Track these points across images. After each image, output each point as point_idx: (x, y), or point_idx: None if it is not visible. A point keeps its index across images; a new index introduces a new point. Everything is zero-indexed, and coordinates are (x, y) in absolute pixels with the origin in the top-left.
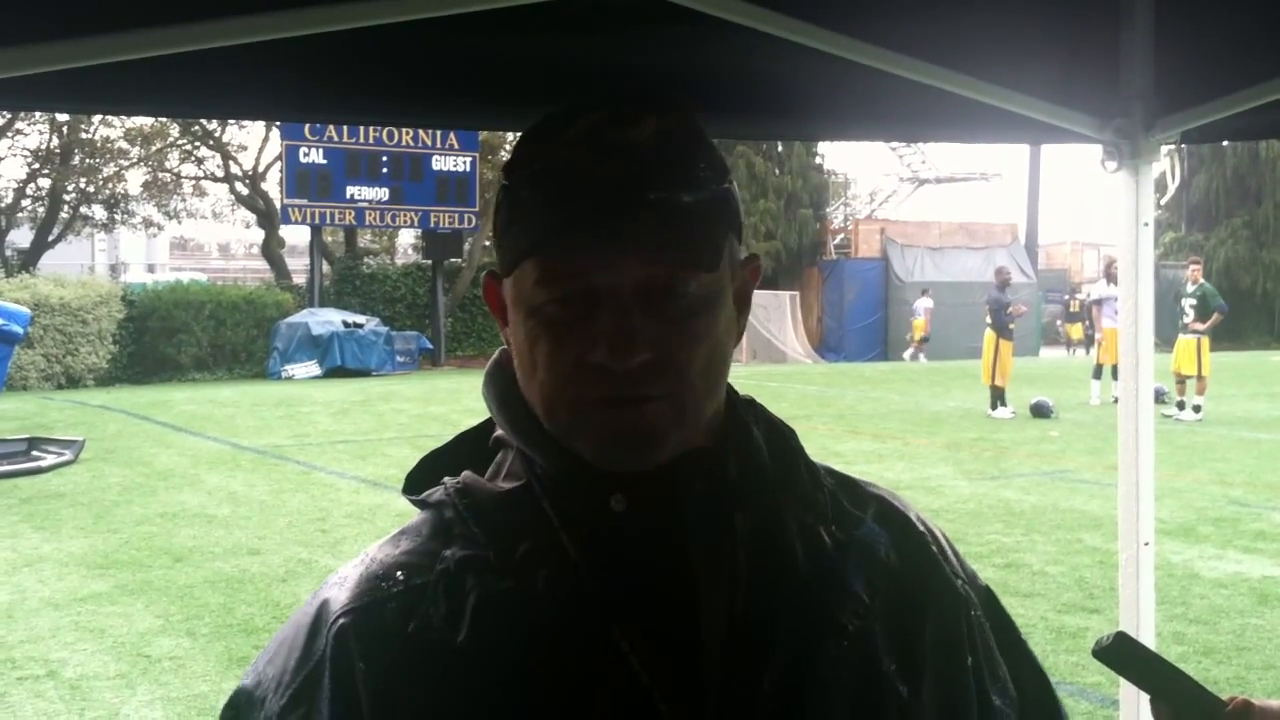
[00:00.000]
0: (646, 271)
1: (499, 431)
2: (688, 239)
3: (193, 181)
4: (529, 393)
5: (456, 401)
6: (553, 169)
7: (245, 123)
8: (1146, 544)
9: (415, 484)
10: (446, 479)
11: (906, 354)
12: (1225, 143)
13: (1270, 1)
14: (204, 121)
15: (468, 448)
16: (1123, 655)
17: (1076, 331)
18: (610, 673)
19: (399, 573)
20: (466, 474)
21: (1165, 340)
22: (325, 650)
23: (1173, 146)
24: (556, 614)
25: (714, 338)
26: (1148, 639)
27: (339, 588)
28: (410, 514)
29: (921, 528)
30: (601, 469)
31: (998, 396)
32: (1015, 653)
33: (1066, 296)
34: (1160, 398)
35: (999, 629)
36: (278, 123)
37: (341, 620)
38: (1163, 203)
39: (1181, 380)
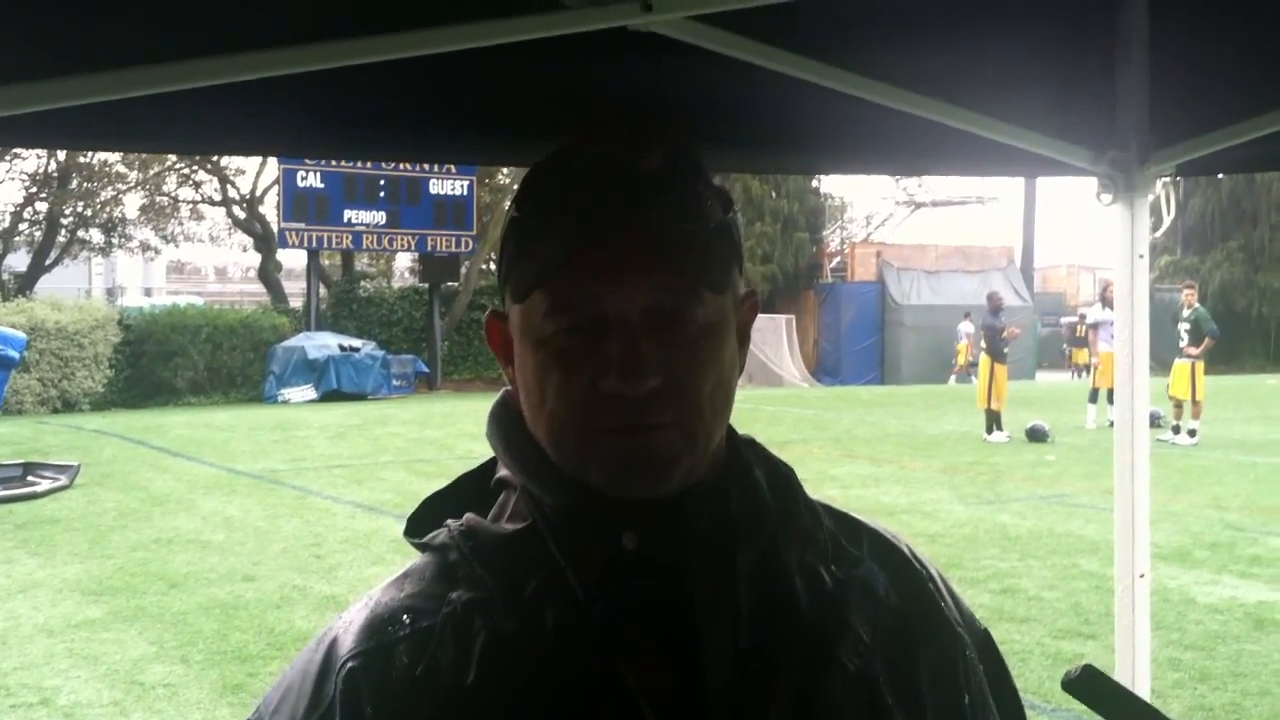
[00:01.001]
0: (655, 299)
1: (501, 473)
2: (695, 266)
3: (190, 205)
4: (537, 425)
5: (453, 425)
6: (560, 200)
7: None
8: (1142, 576)
9: (418, 526)
10: (450, 521)
11: (952, 378)
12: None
13: (1264, 36)
14: None
15: (469, 490)
16: (1091, 688)
17: (1082, 356)
18: (618, 712)
19: (405, 616)
20: (469, 516)
21: (1162, 364)
22: (335, 695)
23: (1168, 179)
24: (564, 654)
25: (720, 364)
26: (1144, 669)
27: (345, 632)
28: (403, 540)
29: (918, 565)
30: (611, 507)
31: (993, 420)
32: (1008, 702)
33: (1074, 320)
34: (1156, 421)
35: (994, 674)
36: (272, 157)
37: (350, 664)
38: (1158, 235)
39: (1178, 404)
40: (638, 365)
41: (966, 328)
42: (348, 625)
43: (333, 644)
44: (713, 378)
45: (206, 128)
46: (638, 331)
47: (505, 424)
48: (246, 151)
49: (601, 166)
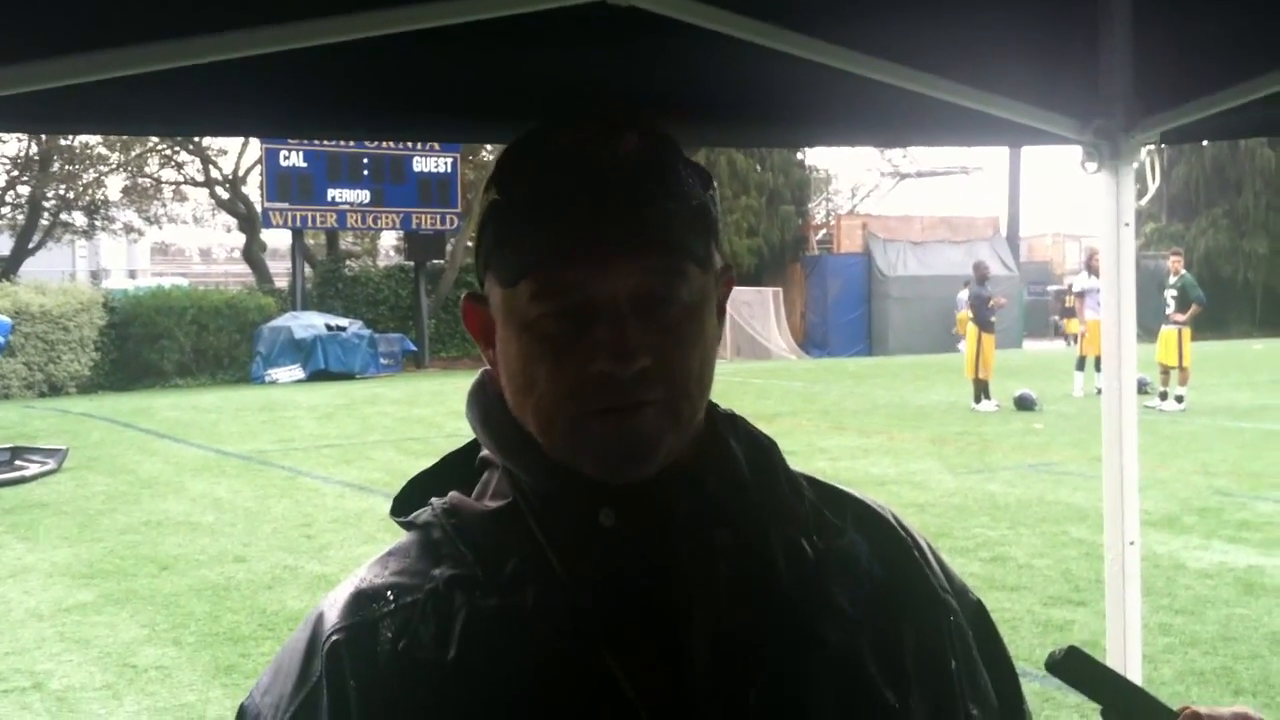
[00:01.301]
0: (642, 281)
1: (484, 452)
2: (680, 246)
3: (173, 186)
4: (522, 410)
5: (441, 403)
6: (542, 185)
7: None
8: (1132, 543)
9: (404, 506)
10: (434, 499)
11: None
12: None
13: (1247, 3)
14: None
15: (455, 469)
16: (1075, 669)
17: (1074, 326)
18: (598, 689)
19: (389, 592)
20: (453, 494)
21: (1149, 331)
22: (320, 670)
23: (1152, 147)
24: (544, 631)
25: (704, 343)
26: (1134, 637)
27: (331, 608)
28: (393, 522)
29: (903, 533)
30: (590, 484)
31: (981, 390)
32: (1000, 669)
33: (1063, 290)
34: (1143, 388)
35: (986, 642)
36: (254, 138)
37: (334, 638)
38: (1143, 202)
39: (1165, 371)
40: (627, 348)
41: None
42: (334, 602)
43: (319, 620)
44: (697, 356)
45: (187, 109)
46: (626, 314)
47: (484, 405)
48: (227, 132)
49: (582, 150)
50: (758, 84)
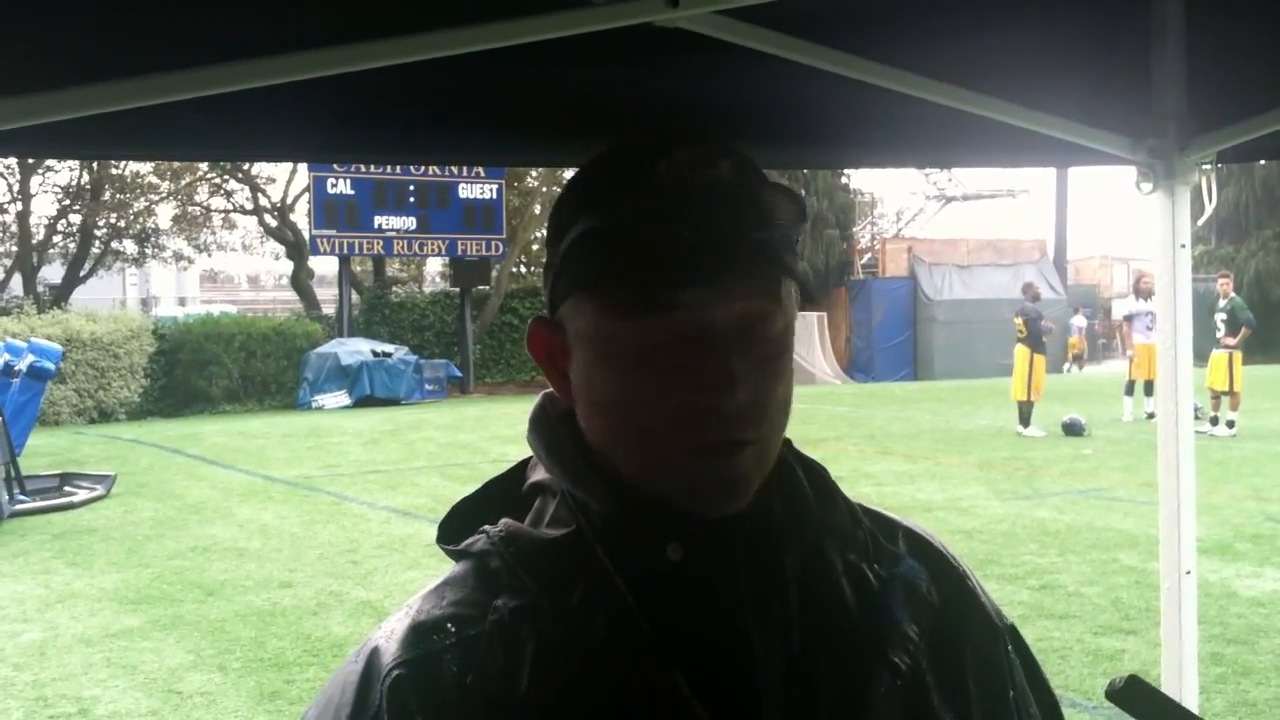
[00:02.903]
0: (746, 310)
1: (536, 477)
2: (779, 274)
3: (222, 215)
4: (603, 436)
5: (485, 429)
6: (645, 211)
7: None
8: (1188, 573)
9: (450, 533)
10: (487, 527)
11: (1065, 366)
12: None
13: None
14: None
15: (500, 495)
16: (1136, 698)
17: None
18: (673, 716)
19: (450, 624)
20: (506, 521)
21: (1199, 355)
22: (380, 704)
23: (1208, 166)
24: (618, 660)
25: (789, 374)
26: (1190, 668)
27: (387, 640)
28: (438, 547)
29: (954, 563)
30: (659, 513)
31: (1027, 413)
32: (1040, 693)
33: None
34: (1195, 414)
35: (1025, 665)
36: (301, 163)
37: (397, 672)
38: (1200, 223)
39: (1216, 396)
40: (732, 380)
41: (1079, 321)
42: (389, 634)
43: (374, 653)
44: (783, 391)
45: (233, 134)
46: (730, 345)
47: (547, 429)
48: (273, 157)
49: (684, 175)
50: (800, 104)
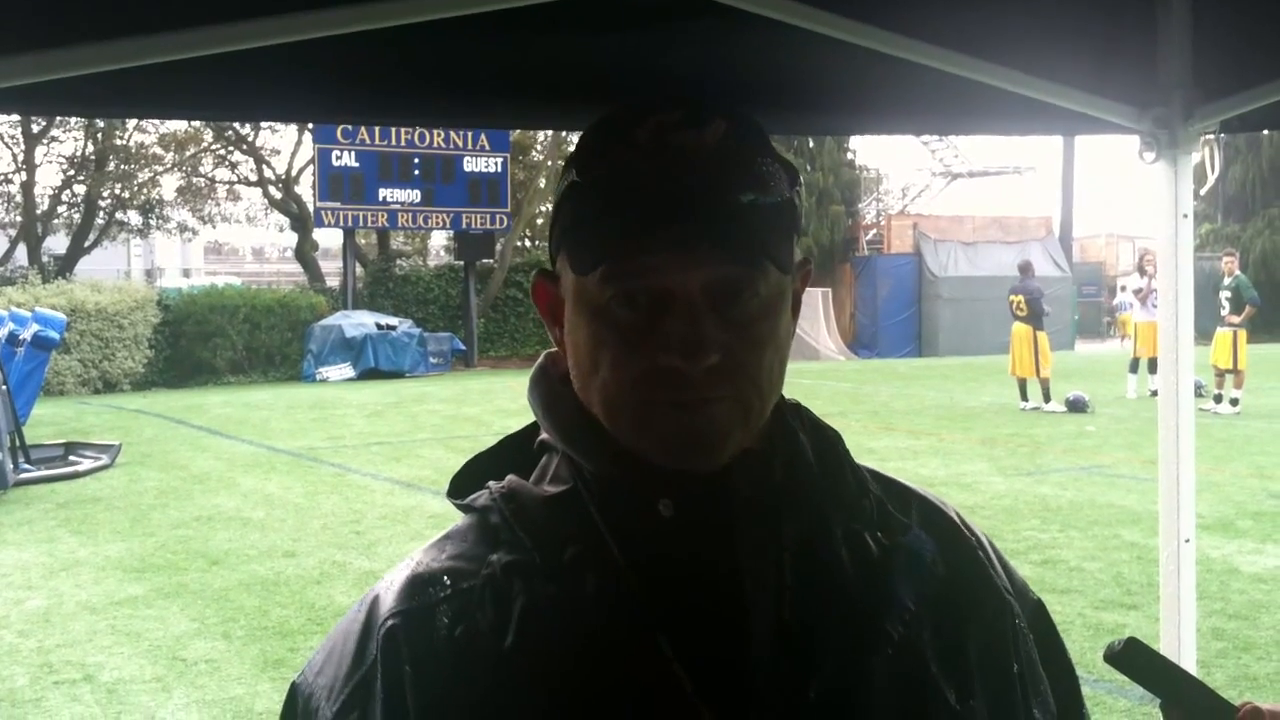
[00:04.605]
0: (718, 274)
1: (544, 435)
2: (760, 242)
3: (226, 186)
4: (587, 393)
5: (489, 402)
6: (625, 170)
7: (278, 126)
8: (1187, 541)
9: (460, 488)
10: (491, 483)
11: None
12: (1264, 132)
13: None
14: (237, 126)
15: (512, 452)
16: (1135, 660)
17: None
18: (655, 679)
19: (446, 577)
20: (511, 478)
21: (1203, 333)
22: (376, 654)
23: (1211, 136)
24: (603, 619)
25: (777, 341)
26: (1189, 636)
27: (387, 591)
28: (441, 516)
29: (967, 533)
30: (652, 473)
31: (1042, 387)
32: (1060, 671)
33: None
34: (1198, 391)
35: (1047, 644)
36: (309, 124)
37: (391, 622)
38: (1202, 193)
39: (1220, 374)
40: (699, 343)
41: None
42: (390, 585)
43: (374, 603)
44: (770, 353)
45: (237, 94)
46: (700, 309)
47: (546, 389)
48: (277, 117)
49: (667, 136)
50: (804, 70)
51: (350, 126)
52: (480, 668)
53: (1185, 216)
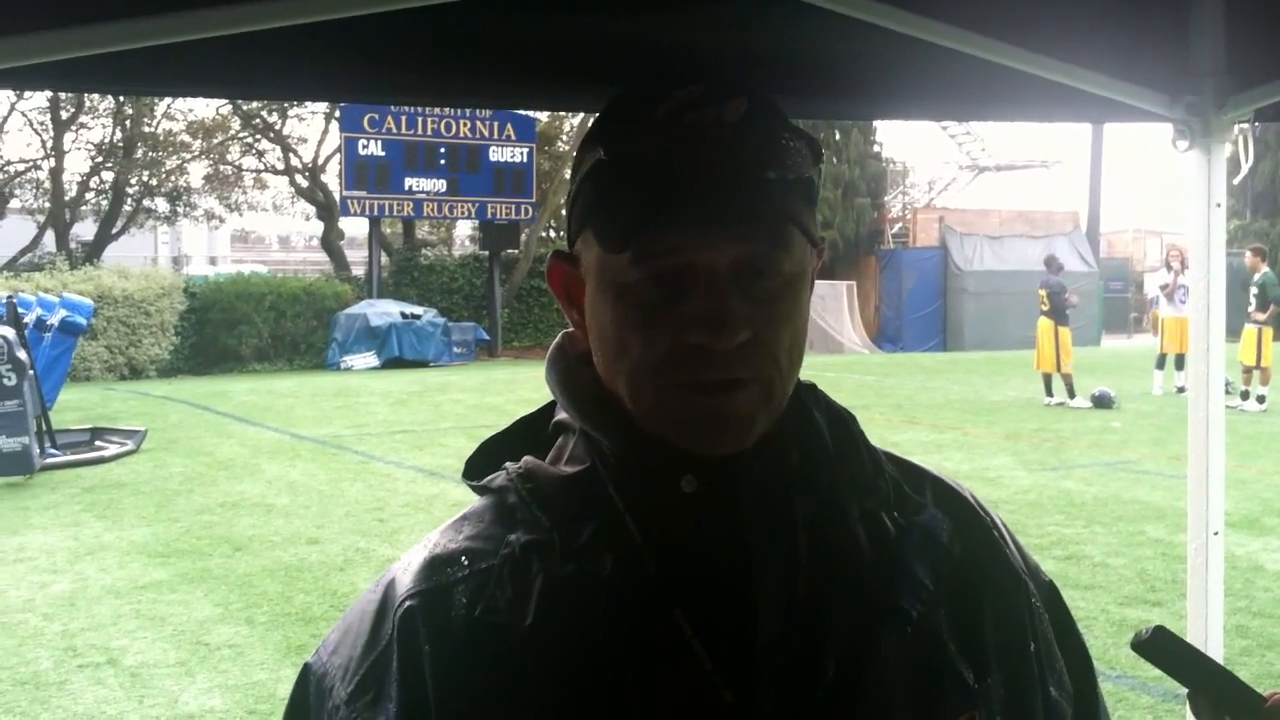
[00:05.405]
0: (744, 251)
1: (559, 416)
2: (784, 217)
3: (253, 174)
4: (610, 374)
5: (512, 392)
6: (647, 146)
7: (305, 115)
8: (1216, 533)
9: (475, 470)
10: (508, 464)
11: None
12: None
13: None
14: (264, 114)
15: (527, 433)
16: (1162, 649)
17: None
18: (673, 657)
19: (463, 558)
20: (528, 459)
21: (1233, 331)
22: (392, 634)
23: (1245, 125)
24: (621, 598)
25: (799, 318)
26: (1216, 630)
27: (404, 571)
28: (463, 503)
29: (982, 513)
30: (672, 452)
31: (1064, 382)
32: (1074, 651)
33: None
34: (1225, 388)
35: (1061, 625)
36: (336, 104)
37: (408, 603)
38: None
39: (1247, 371)
40: (726, 319)
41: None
42: (406, 566)
43: (391, 584)
44: (792, 331)
45: (265, 72)
46: (725, 284)
47: (563, 367)
48: (299, 96)
49: (688, 114)
50: (828, 53)
51: (377, 116)
52: (499, 647)
53: (1218, 206)
